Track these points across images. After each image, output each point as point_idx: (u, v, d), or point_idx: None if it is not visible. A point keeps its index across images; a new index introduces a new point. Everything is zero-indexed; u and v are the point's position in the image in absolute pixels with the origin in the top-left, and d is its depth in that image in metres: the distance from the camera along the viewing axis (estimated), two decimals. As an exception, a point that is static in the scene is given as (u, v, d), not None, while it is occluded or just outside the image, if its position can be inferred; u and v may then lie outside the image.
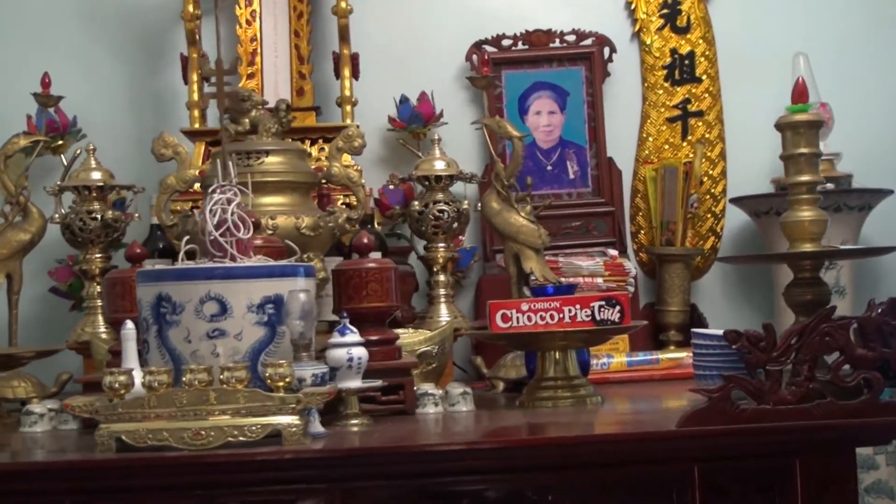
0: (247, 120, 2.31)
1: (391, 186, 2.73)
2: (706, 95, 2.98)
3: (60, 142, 2.80)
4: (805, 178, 2.04)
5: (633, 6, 3.01)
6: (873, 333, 1.70)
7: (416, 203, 2.53)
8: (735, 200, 2.84)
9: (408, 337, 2.27)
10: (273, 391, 1.69)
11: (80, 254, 2.55)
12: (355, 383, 1.89)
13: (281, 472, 1.67)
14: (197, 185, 2.39)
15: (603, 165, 2.94)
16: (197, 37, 2.74)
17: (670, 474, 1.70)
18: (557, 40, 2.99)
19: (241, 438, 1.66)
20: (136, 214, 2.62)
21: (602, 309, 2.05)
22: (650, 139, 2.99)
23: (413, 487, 1.71)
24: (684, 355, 2.44)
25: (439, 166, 2.54)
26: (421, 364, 2.24)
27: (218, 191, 1.86)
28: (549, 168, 2.95)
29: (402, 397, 2.04)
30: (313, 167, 2.42)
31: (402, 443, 1.75)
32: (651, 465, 1.71)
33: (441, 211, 2.51)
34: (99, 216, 2.50)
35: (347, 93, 2.75)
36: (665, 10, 2.99)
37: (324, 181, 2.34)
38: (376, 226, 2.67)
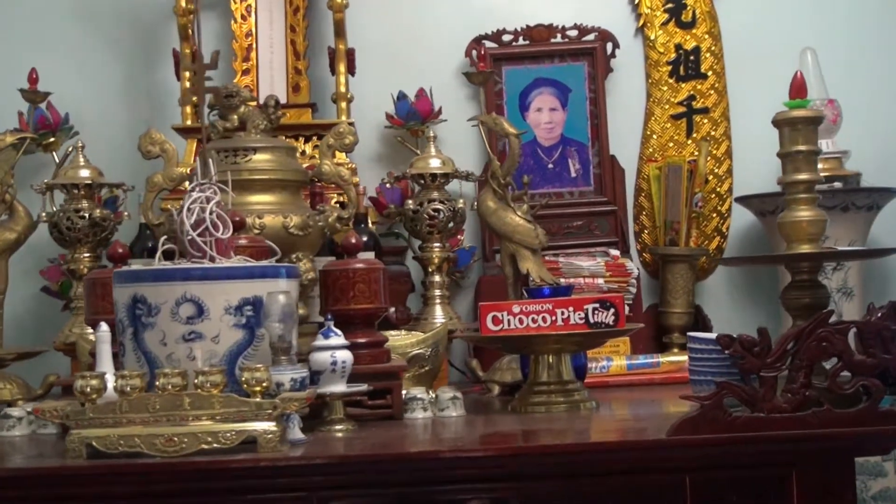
0: (235, 116, 2.26)
1: (388, 185, 2.67)
2: (712, 92, 2.92)
3: (52, 139, 2.75)
4: (803, 176, 1.97)
5: (636, 0, 2.94)
6: (873, 338, 1.63)
7: (411, 202, 2.48)
8: (741, 199, 2.77)
9: (400, 339, 2.23)
10: (250, 396, 1.64)
11: (68, 253, 2.50)
12: (339, 388, 1.84)
13: (256, 481, 1.62)
14: (186, 184, 2.34)
15: (605, 163, 2.88)
16: (190, 32, 2.69)
17: (660, 484, 1.65)
18: (559, 35, 2.92)
19: (215, 445, 1.61)
20: (126, 213, 2.59)
21: (596, 311, 1.99)
22: (654, 137, 2.93)
23: (394, 496, 1.66)
24: (685, 359, 2.36)
25: (434, 164, 2.49)
26: (413, 367, 2.19)
27: (197, 189, 1.80)
28: (551, 166, 2.89)
29: (389, 402, 1.98)
30: (306, 165, 2.37)
31: (385, 449, 1.70)
32: (640, 474, 1.65)
33: (436, 210, 2.46)
34: (87, 215, 2.46)
35: (343, 89, 2.70)
36: (670, 5, 2.93)
37: (314, 179, 2.29)
38: (370, 225, 2.61)
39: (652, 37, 2.94)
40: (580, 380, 2.14)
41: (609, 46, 2.92)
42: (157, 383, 1.63)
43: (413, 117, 2.80)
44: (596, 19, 2.93)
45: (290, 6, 2.79)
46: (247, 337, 1.74)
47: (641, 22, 2.94)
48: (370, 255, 2.40)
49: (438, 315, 2.48)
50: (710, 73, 2.92)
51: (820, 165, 2.61)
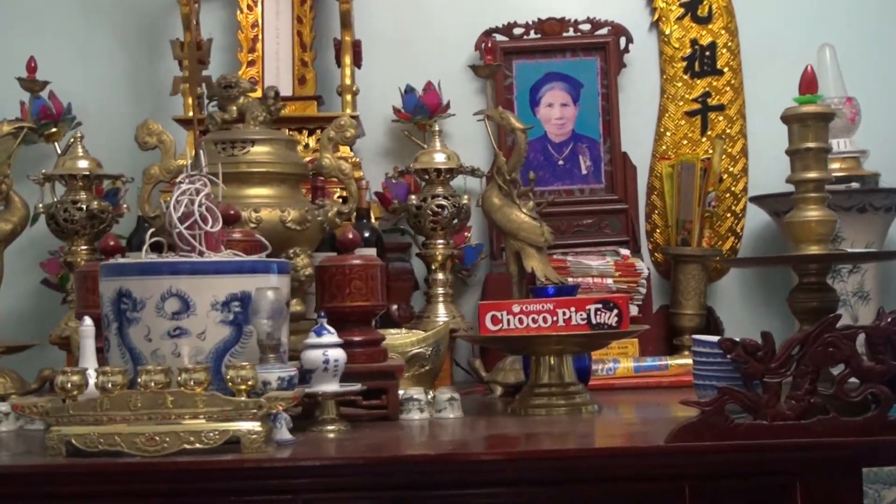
0: (234, 107, 2.21)
1: (393, 180, 2.62)
2: (728, 89, 2.85)
3: (54, 129, 2.71)
4: (812, 174, 1.89)
5: (651, -6, 2.89)
6: (882, 344, 1.56)
7: (414, 197, 2.43)
8: (755, 199, 2.70)
9: (400, 338, 2.18)
10: (235, 395, 1.58)
11: (66, 245, 2.47)
12: (332, 387, 1.79)
13: (239, 482, 1.57)
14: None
15: (617, 161, 2.82)
16: (193, 22, 2.64)
17: (658, 492, 1.59)
18: (571, 29, 2.86)
19: (197, 445, 1.56)
20: (125, 205, 2.55)
21: (599, 312, 1.94)
22: (668, 134, 2.87)
23: (382, 500, 1.60)
24: (694, 362, 2.32)
25: (439, 159, 2.44)
26: (413, 367, 2.14)
27: (186, 181, 1.75)
28: (561, 163, 2.83)
29: (384, 402, 1.93)
30: (309, 158, 2.32)
31: (375, 451, 1.64)
32: (638, 482, 1.59)
33: (440, 206, 2.41)
34: (84, 206, 2.42)
35: (348, 81, 2.65)
36: (686, -1, 2.87)
37: (315, 173, 2.24)
38: (373, 220, 2.56)
39: (667, 31, 2.87)
40: (584, 382, 2.08)
41: (622, 41, 2.86)
42: (140, 380, 1.58)
43: (420, 111, 2.74)
44: (609, 13, 2.87)
45: (297, -4, 2.75)
46: (234, 334, 1.69)
47: (656, 16, 2.88)
48: (371, 251, 2.35)
49: (441, 313, 2.43)
50: (726, 69, 2.85)
51: (837, 165, 2.58)
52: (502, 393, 2.26)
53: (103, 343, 1.75)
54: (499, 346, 2.07)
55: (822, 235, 1.88)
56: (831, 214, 1.91)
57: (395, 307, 2.48)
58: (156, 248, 1.79)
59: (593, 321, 1.93)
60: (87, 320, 1.77)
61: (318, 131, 2.60)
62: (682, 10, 2.86)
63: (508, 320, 1.95)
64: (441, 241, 2.45)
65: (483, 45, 2.81)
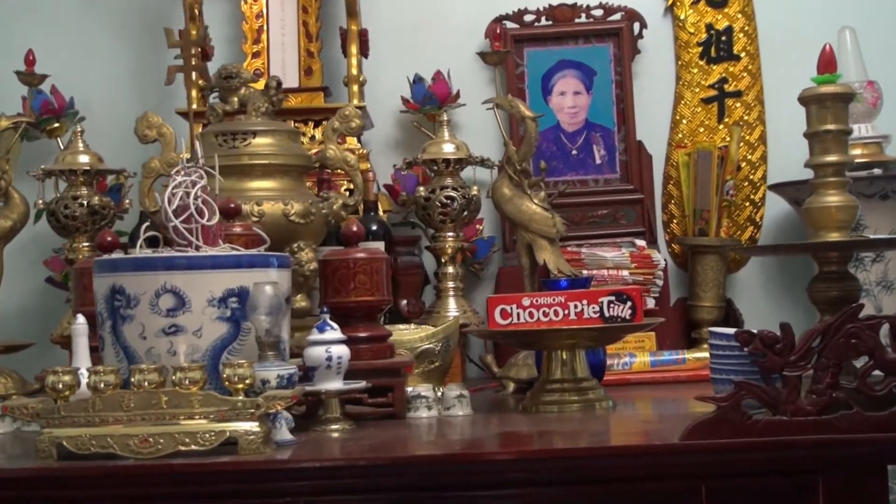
0: (235, 98, 2.15)
1: (402, 171, 2.56)
2: (745, 74, 2.78)
3: (56, 124, 2.67)
4: (832, 158, 1.82)
5: (665, -22, 2.82)
6: (908, 335, 1.49)
7: (422, 189, 2.37)
8: (774, 187, 2.64)
9: (408, 333, 2.12)
10: (232, 394, 1.53)
11: (68, 242, 2.42)
12: (335, 385, 1.74)
13: (236, 485, 1.51)
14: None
15: (632, 150, 2.75)
16: (196, 12, 2.60)
17: (673, 493, 1.52)
18: (584, 15, 2.80)
19: (193, 447, 1.50)
20: (128, 201, 2.50)
21: (612, 305, 1.87)
22: (684, 121, 2.80)
23: (385, 502, 1.53)
24: (712, 355, 2.25)
25: (448, 149, 2.39)
26: (422, 363, 2.08)
27: (182, 173, 1.70)
28: (574, 152, 2.77)
29: (391, 400, 1.87)
30: (315, 150, 2.26)
31: (379, 451, 1.58)
32: (653, 481, 1.52)
33: (449, 198, 2.36)
34: (85, 202, 2.37)
35: (355, 71, 2.59)
36: (701, -17, 2.80)
37: (319, 165, 2.18)
38: (381, 213, 2.50)
39: (681, 16, 2.81)
40: (598, 377, 2.02)
41: (636, 27, 2.80)
42: (133, 380, 1.52)
43: (429, 101, 2.68)
44: (622, -2, 2.80)
45: (302, -14, 2.69)
46: (232, 331, 1.63)
47: (670, 1, 2.81)
48: (379, 244, 2.29)
49: (452, 308, 2.38)
50: (743, 54, 2.78)
51: (858, 151, 2.51)
52: (515, 389, 2.20)
53: (98, 341, 1.69)
54: (508, 340, 2.00)
55: (843, 222, 1.81)
56: (852, 200, 1.84)
57: (404, 302, 2.43)
58: (154, 243, 1.74)
59: (606, 314, 1.87)
60: (80, 318, 1.72)
61: (325, 123, 2.54)
62: (697, -6, 2.80)
63: (518, 314, 1.89)
64: (451, 234, 2.39)
65: (493, 32, 2.75)
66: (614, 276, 2.52)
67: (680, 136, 2.80)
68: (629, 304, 1.87)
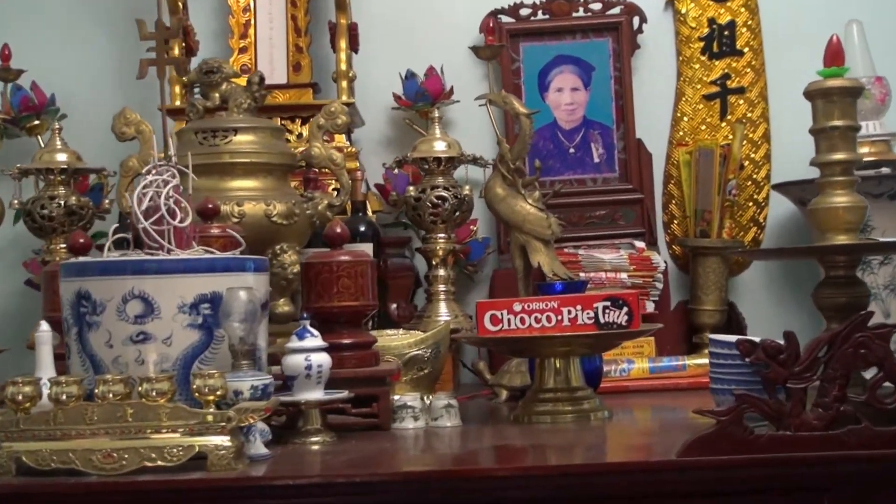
0: (216, 94, 2.07)
1: (394, 171, 2.47)
2: (748, 70, 2.71)
3: (37, 122, 2.58)
4: (839, 156, 1.73)
5: (665, -29, 2.75)
6: (920, 345, 1.41)
7: (412, 188, 2.29)
8: (778, 187, 2.56)
9: (396, 339, 2.05)
10: (203, 406, 1.44)
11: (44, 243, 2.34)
12: (315, 394, 1.66)
13: (205, 503, 1.42)
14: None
15: (631, 148, 2.67)
16: (180, 5, 2.51)
17: (670, 512, 1.43)
18: (581, 9, 2.72)
19: (159, 462, 1.42)
20: (108, 201, 2.42)
21: (607, 311, 1.79)
22: (685, 119, 2.73)
23: (364, 521, 1.45)
24: (713, 362, 2.16)
25: (439, 147, 2.31)
26: (411, 370, 2.00)
27: (153, 171, 1.61)
28: (572, 151, 2.69)
29: (375, 410, 1.78)
30: (301, 149, 2.18)
31: (358, 467, 1.50)
32: (648, 499, 1.44)
33: (440, 197, 2.28)
34: (62, 202, 2.30)
35: (343, 66, 2.52)
36: (702, -25, 2.73)
37: (303, 164, 2.10)
38: (370, 214, 2.42)
39: (682, 10, 2.73)
40: (594, 385, 1.94)
41: (636, 21, 2.71)
42: (97, 391, 1.44)
43: (422, 98, 2.60)
44: (622, -9, 2.73)
45: (291, -22, 2.61)
46: (204, 338, 1.55)
47: (671, -6, 2.74)
48: (367, 246, 2.22)
49: (443, 312, 2.30)
50: (746, 49, 2.71)
51: (866, 149, 2.44)
52: (507, 397, 2.13)
53: (64, 349, 1.61)
54: (499, 347, 1.93)
55: (851, 224, 1.73)
56: (861, 200, 1.76)
57: (394, 306, 2.35)
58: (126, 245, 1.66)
59: (601, 320, 1.78)
60: (44, 325, 1.64)
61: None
62: (698, -12, 2.73)
63: (509, 320, 1.80)
64: (442, 236, 2.32)
65: (487, 26, 2.67)
66: (612, 279, 2.44)
67: (681, 133, 2.72)
68: (625, 309, 1.79)
